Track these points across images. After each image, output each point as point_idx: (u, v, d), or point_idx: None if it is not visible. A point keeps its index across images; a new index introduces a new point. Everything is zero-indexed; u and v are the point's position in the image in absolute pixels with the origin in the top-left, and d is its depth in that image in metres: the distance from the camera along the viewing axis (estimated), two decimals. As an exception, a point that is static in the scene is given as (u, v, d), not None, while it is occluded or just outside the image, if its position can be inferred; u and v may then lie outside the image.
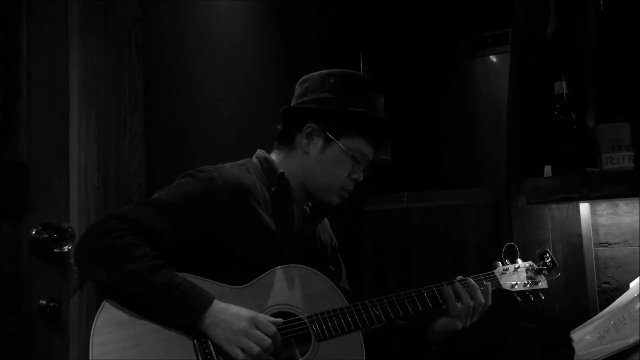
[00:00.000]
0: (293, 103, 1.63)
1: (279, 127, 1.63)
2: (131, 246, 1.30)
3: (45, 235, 1.55)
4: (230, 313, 1.31)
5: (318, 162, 1.56)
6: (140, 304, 1.29)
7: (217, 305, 1.32)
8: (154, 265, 1.30)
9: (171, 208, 1.38)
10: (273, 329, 1.32)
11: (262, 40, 2.43)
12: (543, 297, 1.68)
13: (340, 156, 1.55)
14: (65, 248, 1.58)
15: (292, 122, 1.59)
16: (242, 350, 1.28)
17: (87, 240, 1.35)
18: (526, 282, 1.67)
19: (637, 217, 2.01)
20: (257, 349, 1.28)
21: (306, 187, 1.58)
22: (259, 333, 1.30)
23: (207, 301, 1.31)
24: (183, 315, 1.29)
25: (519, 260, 1.71)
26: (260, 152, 1.63)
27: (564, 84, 1.94)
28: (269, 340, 1.30)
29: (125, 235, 1.31)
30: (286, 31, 2.57)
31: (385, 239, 2.76)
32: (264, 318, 1.33)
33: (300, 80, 1.65)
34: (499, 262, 1.69)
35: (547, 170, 1.96)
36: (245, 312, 1.32)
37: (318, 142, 1.56)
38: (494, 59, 3.59)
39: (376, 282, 2.75)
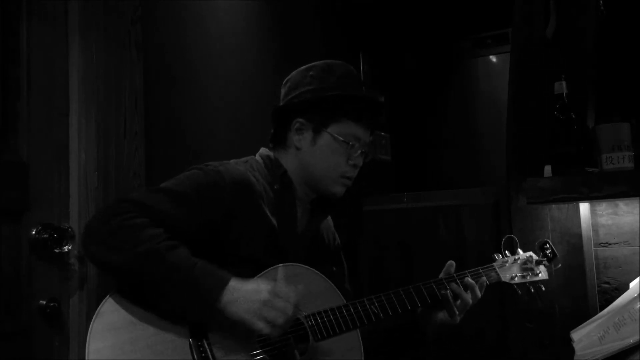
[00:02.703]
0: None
1: (272, 131, 1.63)
2: (143, 226, 1.27)
3: (45, 235, 1.54)
4: (249, 289, 1.28)
5: (312, 155, 1.55)
6: (155, 285, 1.25)
7: (234, 282, 1.28)
8: (170, 245, 1.26)
9: (181, 195, 1.36)
10: (293, 295, 1.30)
11: (262, 40, 2.43)
12: (544, 289, 1.66)
13: (332, 144, 1.54)
14: (65, 248, 1.57)
15: (282, 122, 1.59)
16: (267, 321, 1.25)
17: (95, 224, 1.30)
18: (525, 273, 1.65)
19: (637, 217, 2.01)
20: (281, 319, 1.26)
21: (308, 183, 1.58)
22: (281, 302, 1.27)
23: (225, 278, 1.28)
24: (202, 293, 1.25)
25: (519, 250, 1.70)
26: (263, 150, 1.62)
27: (564, 84, 1.94)
28: (291, 308, 1.28)
29: (135, 217, 1.28)
30: (286, 31, 2.57)
31: (385, 239, 2.76)
32: (282, 285, 1.31)
33: (283, 82, 1.65)
34: (499, 254, 1.68)
35: (547, 170, 1.95)
36: (263, 284, 1.30)
37: (308, 135, 1.55)
38: (494, 59, 3.59)
39: (376, 282, 2.75)
